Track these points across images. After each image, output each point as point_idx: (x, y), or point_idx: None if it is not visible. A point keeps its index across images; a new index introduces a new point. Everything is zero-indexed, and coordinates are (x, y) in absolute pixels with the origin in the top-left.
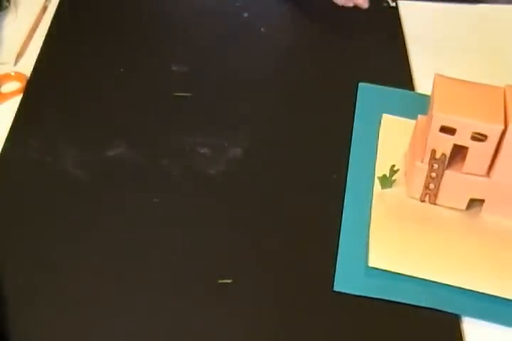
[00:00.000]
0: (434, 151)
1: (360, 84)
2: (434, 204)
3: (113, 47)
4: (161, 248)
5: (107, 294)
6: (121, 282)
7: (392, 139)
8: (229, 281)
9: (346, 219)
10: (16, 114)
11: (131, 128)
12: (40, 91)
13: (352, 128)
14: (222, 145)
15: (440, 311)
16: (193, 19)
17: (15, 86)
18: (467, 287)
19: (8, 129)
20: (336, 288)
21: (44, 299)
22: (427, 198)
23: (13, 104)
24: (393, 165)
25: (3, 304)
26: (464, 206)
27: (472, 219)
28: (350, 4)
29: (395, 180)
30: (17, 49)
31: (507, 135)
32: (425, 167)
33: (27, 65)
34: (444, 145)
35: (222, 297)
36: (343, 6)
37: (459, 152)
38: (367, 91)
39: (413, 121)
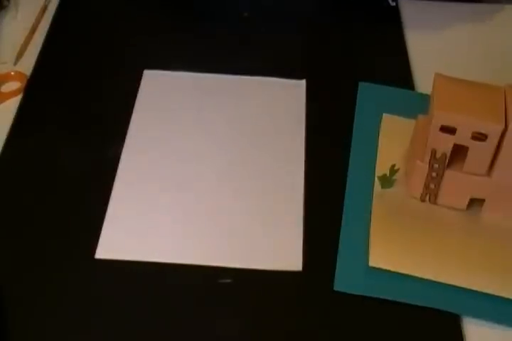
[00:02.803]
0: (434, 151)
1: (361, 84)
2: (435, 203)
3: (113, 47)
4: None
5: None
6: (121, 280)
7: (392, 139)
8: (229, 281)
9: (346, 218)
10: (15, 114)
11: None
12: (40, 91)
13: (352, 127)
14: None
15: (440, 311)
16: (193, 19)
17: (15, 86)
18: (467, 287)
19: (8, 129)
20: (337, 287)
21: (44, 300)
22: (427, 198)
23: (13, 104)
24: (393, 165)
25: (3, 305)
26: (464, 206)
27: (472, 219)
28: None
29: (395, 180)
30: (17, 49)
31: (507, 134)
32: (425, 166)
33: (27, 65)
34: (445, 144)
35: (222, 297)
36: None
37: (459, 151)
38: (367, 91)
39: (413, 121)
